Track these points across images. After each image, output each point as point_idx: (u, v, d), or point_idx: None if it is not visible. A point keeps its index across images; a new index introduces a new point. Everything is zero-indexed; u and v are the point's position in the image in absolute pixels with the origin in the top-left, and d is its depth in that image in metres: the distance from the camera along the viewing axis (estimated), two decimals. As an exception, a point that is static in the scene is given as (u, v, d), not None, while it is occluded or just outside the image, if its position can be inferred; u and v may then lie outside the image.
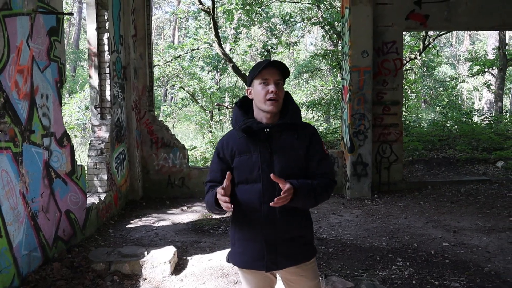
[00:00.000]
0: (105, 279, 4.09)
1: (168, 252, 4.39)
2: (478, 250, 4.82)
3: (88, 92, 11.33)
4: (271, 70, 2.09)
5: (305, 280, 2.23)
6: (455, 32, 24.73)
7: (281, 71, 2.11)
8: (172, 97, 25.64)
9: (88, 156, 6.16)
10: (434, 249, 4.86)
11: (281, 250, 2.13)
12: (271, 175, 1.93)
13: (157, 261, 4.22)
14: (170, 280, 4.14)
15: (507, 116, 13.29)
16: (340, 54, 8.68)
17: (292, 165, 2.10)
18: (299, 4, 14.35)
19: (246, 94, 2.24)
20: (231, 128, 2.26)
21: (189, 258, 4.66)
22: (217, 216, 6.52)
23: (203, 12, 15.63)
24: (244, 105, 2.24)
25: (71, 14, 4.37)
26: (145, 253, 4.37)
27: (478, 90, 18.61)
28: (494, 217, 6.01)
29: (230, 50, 16.42)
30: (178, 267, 4.41)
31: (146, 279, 4.13)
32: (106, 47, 6.25)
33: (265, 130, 2.12)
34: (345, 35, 7.64)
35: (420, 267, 4.37)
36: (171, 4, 32.64)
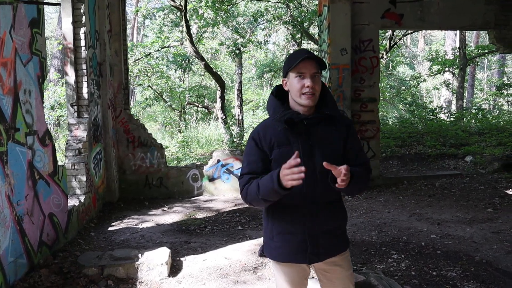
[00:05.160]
0: (98, 284, 3.88)
1: (162, 253, 4.23)
2: (465, 241, 4.97)
3: (52, 90, 10.83)
4: (308, 63, 2.04)
5: (340, 270, 2.23)
6: (409, 35, 25.50)
7: (318, 63, 2.06)
8: (133, 96, 24.91)
9: (66, 156, 5.85)
10: (424, 241, 4.97)
11: (322, 242, 2.13)
12: (324, 163, 1.86)
13: (153, 263, 4.05)
14: (168, 282, 3.99)
15: (467, 114, 13.89)
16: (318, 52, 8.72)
17: (332, 157, 2.05)
18: (267, 2, 14.32)
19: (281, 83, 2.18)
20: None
21: (182, 259, 4.51)
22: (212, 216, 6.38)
23: (166, 10, 15.27)
24: (279, 94, 2.18)
25: (58, 4, 4.10)
26: (139, 255, 4.19)
27: (438, 89, 19.37)
28: (472, 209, 6.24)
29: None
30: (174, 269, 4.26)
31: (143, 283, 3.96)
32: (82, 42, 5.95)
33: (304, 122, 2.07)
34: (324, 33, 7.70)
35: (415, 259, 4.45)
36: (129, 3, 31.77)
